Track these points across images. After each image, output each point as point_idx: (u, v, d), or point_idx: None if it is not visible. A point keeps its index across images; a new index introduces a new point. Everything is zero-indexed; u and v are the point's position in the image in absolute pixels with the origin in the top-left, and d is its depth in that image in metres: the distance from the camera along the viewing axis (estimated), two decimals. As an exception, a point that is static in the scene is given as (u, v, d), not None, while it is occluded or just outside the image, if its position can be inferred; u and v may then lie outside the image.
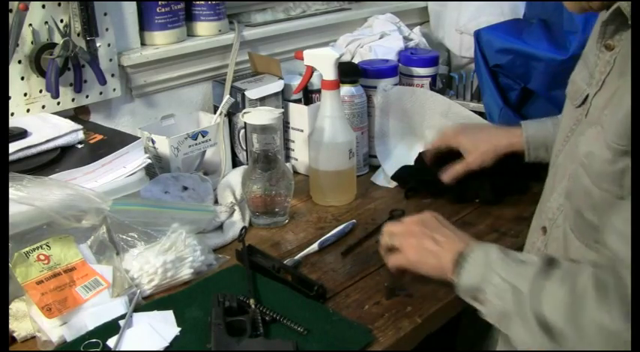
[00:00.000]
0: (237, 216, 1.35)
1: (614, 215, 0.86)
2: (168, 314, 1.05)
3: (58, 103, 1.40)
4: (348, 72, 1.56)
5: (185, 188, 1.38)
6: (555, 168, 1.09)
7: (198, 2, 1.60)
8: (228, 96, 1.54)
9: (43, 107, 1.38)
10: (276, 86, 1.58)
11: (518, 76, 1.60)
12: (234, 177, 1.44)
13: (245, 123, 1.38)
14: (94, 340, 0.99)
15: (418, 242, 1.05)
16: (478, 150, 1.41)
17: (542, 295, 0.88)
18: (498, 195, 1.45)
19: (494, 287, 0.94)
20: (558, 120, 1.28)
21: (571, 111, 1.09)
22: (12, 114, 1.33)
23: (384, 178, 1.56)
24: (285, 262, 1.20)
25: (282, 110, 1.43)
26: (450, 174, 1.43)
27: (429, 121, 1.62)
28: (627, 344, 0.79)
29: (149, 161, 1.29)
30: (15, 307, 1.05)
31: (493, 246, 0.99)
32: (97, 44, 1.41)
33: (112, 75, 1.47)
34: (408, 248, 1.06)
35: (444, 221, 1.08)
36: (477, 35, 1.65)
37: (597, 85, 1.01)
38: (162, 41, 1.55)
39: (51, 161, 1.23)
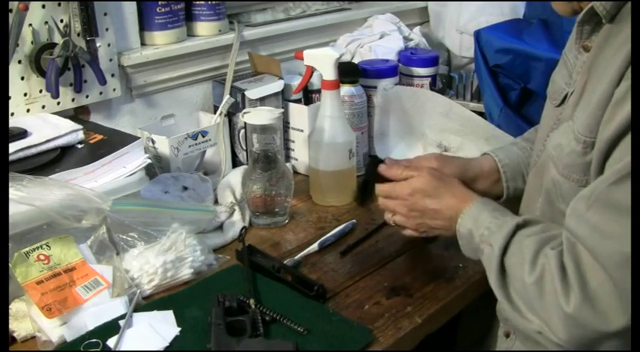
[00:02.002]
0: (237, 216, 1.35)
1: (575, 199, 0.88)
2: (168, 314, 1.05)
3: (58, 103, 1.40)
4: (348, 72, 1.56)
5: (185, 188, 1.38)
6: (539, 169, 1.08)
7: (198, 2, 1.60)
8: (228, 96, 1.54)
9: (43, 107, 1.38)
10: (276, 86, 1.58)
11: (518, 76, 1.60)
12: (234, 177, 1.44)
13: (245, 123, 1.38)
14: (94, 340, 0.99)
15: (424, 225, 1.14)
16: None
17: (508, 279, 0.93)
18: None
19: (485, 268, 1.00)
20: (522, 143, 1.29)
21: (551, 110, 1.10)
22: (12, 114, 1.33)
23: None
24: (285, 262, 1.20)
25: (282, 110, 1.43)
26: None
27: (429, 121, 1.62)
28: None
29: (149, 161, 1.29)
30: (15, 307, 1.05)
31: (472, 222, 1.03)
32: (97, 44, 1.41)
33: (112, 75, 1.47)
34: (415, 225, 1.15)
35: (430, 187, 1.10)
36: (477, 35, 1.65)
37: (573, 85, 1.02)
38: (162, 41, 1.55)
39: (51, 161, 1.23)
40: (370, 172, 1.25)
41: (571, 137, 0.93)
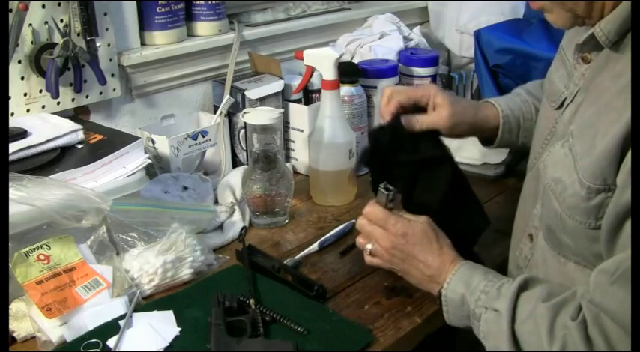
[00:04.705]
0: (237, 216, 1.35)
1: (597, 272, 0.86)
2: (168, 314, 1.05)
3: (58, 103, 1.40)
4: (348, 72, 1.56)
5: (185, 188, 1.38)
6: (536, 173, 1.07)
7: (198, 2, 1.60)
8: (228, 96, 1.54)
9: (43, 107, 1.38)
10: (276, 86, 1.58)
11: (518, 76, 1.60)
12: (234, 177, 1.44)
13: (245, 123, 1.38)
14: (94, 340, 0.99)
15: (398, 266, 1.10)
16: (453, 112, 1.19)
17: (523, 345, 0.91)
18: None
19: (480, 333, 0.98)
20: (524, 95, 1.27)
21: (549, 111, 1.08)
22: (12, 114, 1.33)
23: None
24: (285, 262, 1.20)
25: (282, 110, 1.43)
26: (414, 123, 1.18)
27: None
28: None
29: (149, 161, 1.29)
30: (15, 307, 1.04)
31: (464, 286, 1.00)
32: (97, 44, 1.41)
33: (112, 75, 1.47)
34: (389, 264, 1.11)
35: (415, 246, 1.06)
36: (477, 35, 1.65)
37: (570, 97, 1.01)
38: (162, 41, 1.55)
39: (51, 161, 1.23)
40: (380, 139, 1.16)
41: (574, 178, 0.91)
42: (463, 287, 0.99)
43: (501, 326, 0.92)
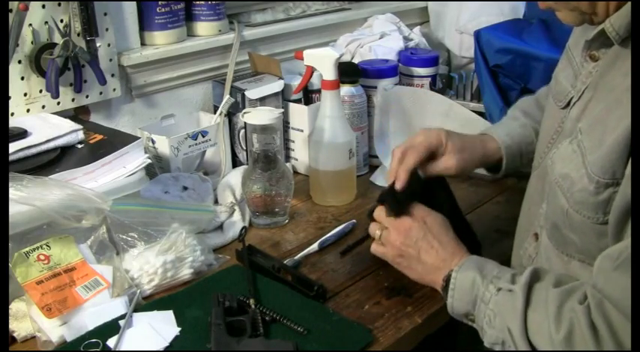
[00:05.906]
0: (237, 216, 1.35)
1: (601, 257, 0.87)
2: (168, 314, 1.05)
3: (58, 103, 1.40)
4: (348, 72, 1.56)
5: (185, 188, 1.38)
6: (543, 172, 1.07)
7: (198, 2, 1.60)
8: (228, 96, 1.54)
9: (43, 107, 1.38)
10: (276, 86, 1.58)
11: (518, 76, 1.60)
12: (234, 177, 1.45)
13: (245, 123, 1.38)
14: (94, 340, 0.99)
15: (404, 259, 1.11)
16: (460, 161, 1.19)
17: (530, 330, 0.91)
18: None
19: (485, 317, 0.97)
20: (522, 119, 1.28)
21: (556, 111, 1.08)
22: (12, 114, 1.33)
23: (384, 178, 1.56)
24: (285, 262, 1.20)
25: (282, 110, 1.43)
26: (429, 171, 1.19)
27: (429, 121, 1.62)
28: None
29: (149, 161, 1.29)
30: (15, 307, 1.05)
31: (476, 271, 1.01)
32: (97, 44, 1.41)
33: (112, 75, 1.47)
34: (393, 257, 1.13)
35: (433, 228, 1.09)
36: (477, 35, 1.65)
37: (577, 95, 1.01)
38: (162, 41, 1.55)
39: (51, 161, 1.23)
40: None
41: (582, 172, 0.91)
42: (475, 271, 1.00)
43: (516, 305, 0.92)
